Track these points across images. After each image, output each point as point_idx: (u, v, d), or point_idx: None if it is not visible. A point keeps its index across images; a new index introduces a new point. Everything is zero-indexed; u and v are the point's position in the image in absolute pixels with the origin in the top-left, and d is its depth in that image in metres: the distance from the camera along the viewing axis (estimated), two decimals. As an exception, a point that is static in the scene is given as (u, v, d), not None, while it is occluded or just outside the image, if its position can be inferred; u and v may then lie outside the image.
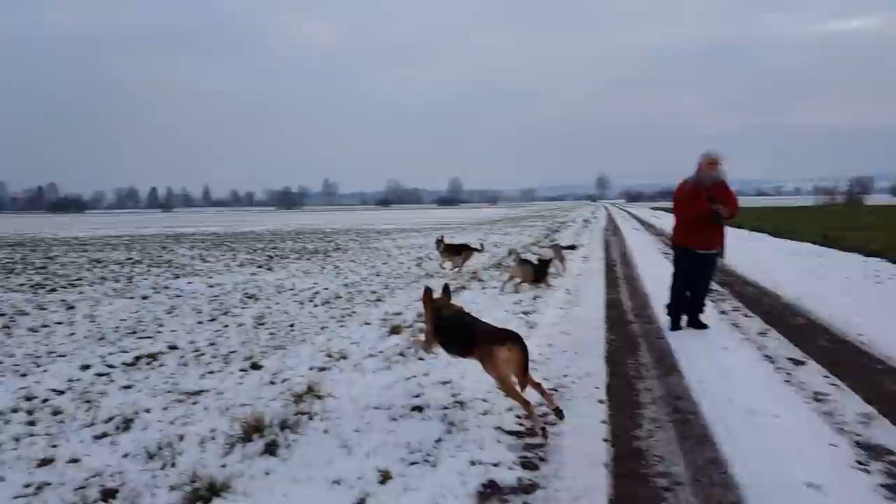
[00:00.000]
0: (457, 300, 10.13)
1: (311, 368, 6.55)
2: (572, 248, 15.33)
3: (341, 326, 8.80)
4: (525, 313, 8.81)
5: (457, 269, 13.81)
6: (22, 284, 14.29)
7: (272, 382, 6.19)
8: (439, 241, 14.39)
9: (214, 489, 3.54)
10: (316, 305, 10.86)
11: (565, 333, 7.65)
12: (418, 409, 4.98)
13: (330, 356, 7.01)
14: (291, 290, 12.94)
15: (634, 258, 17.03)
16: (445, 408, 4.98)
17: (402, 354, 6.68)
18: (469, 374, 5.82)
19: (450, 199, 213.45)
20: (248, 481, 3.82)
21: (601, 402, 5.25)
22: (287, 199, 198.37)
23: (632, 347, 7.17)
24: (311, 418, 4.78)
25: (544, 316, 8.57)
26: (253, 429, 4.40)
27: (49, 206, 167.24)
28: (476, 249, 14.53)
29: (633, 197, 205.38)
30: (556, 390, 5.47)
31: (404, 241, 27.63)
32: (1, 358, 7.50)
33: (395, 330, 8.10)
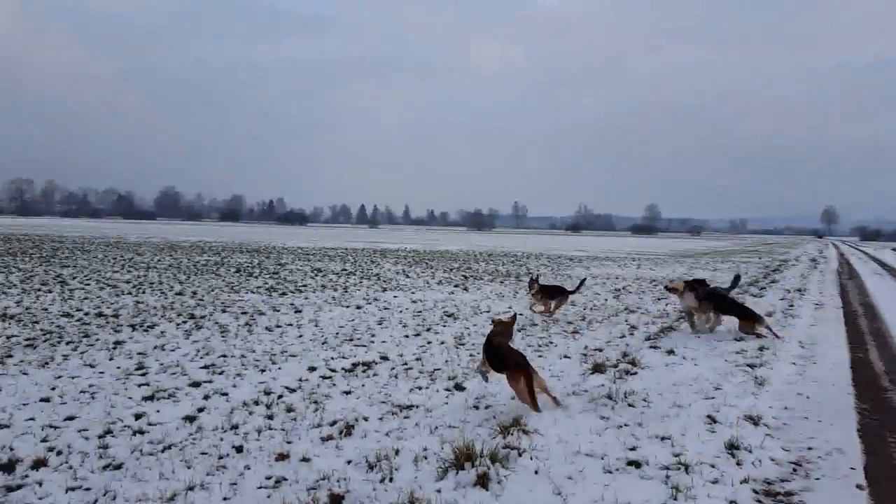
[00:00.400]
0: (666, 343, 9.47)
1: (512, 398, 6.47)
2: (735, 283, 12.44)
3: (539, 357, 8.63)
4: (750, 366, 7.84)
5: (548, 314, 12.45)
6: (259, 287, 16.42)
7: (476, 407, 6.22)
8: (532, 282, 12.76)
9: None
10: (514, 331, 10.85)
11: (803, 395, 6.63)
12: (635, 464, 4.59)
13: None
14: (487, 311, 13.14)
15: (881, 309, 14.46)
16: (667, 468, 4.53)
17: (609, 397, 6.30)
18: (690, 430, 5.28)
19: (645, 227, 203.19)
20: (462, 511, 3.80)
21: (860, 487, 4.39)
22: (478, 221, 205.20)
23: (893, 421, 5.97)
24: (520, 454, 4.66)
25: (775, 371, 7.54)
26: (465, 456, 4.40)
27: (278, 217, 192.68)
28: (570, 293, 12.91)
29: (869, 235, 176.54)
30: (798, 465, 4.71)
31: (598, 269, 26.78)
32: (245, 353, 8.59)
33: (597, 368, 7.73)
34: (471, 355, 8.71)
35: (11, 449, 4.87)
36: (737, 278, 12.41)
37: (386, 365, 8.02)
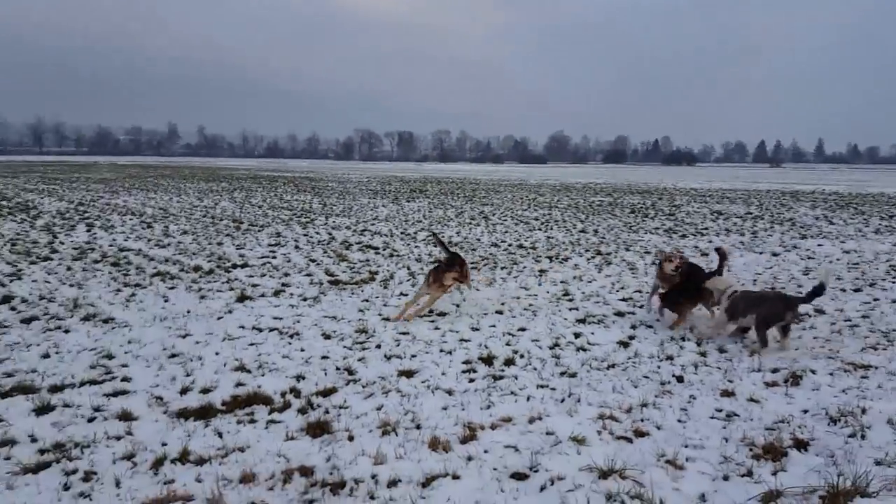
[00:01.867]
0: None
1: None
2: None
3: None
4: None
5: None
6: (657, 228, 16.40)
7: (961, 380, 5.10)
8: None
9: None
10: None
11: None
12: None
13: None
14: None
15: None
16: None
17: None
18: None
19: None
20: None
21: None
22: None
23: None
24: None
25: None
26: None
27: (664, 158, 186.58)
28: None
29: None
30: None
31: None
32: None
33: None
34: (940, 320, 7.12)
35: (486, 347, 6.10)
36: None
37: (823, 319, 7.18)
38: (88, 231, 14.26)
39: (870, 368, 5.38)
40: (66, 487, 3.54)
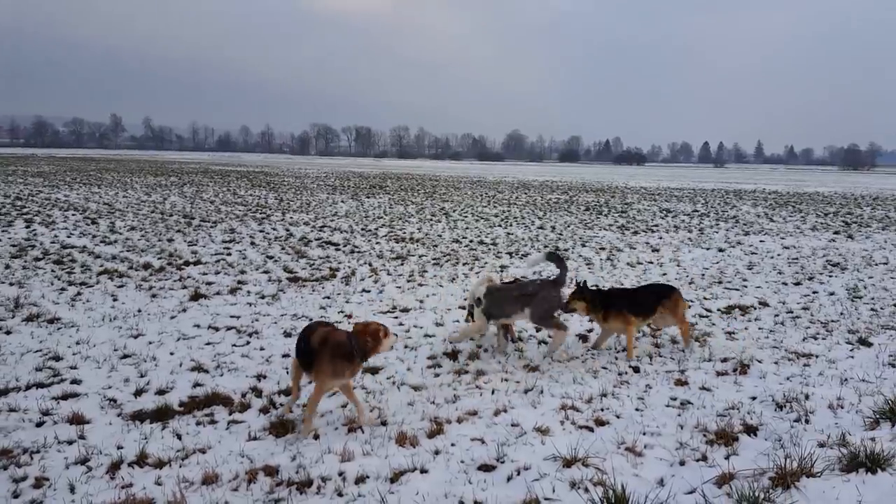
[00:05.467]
0: None
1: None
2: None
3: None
4: None
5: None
6: (611, 225, 16.80)
7: (893, 365, 5.44)
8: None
9: (878, 461, 3.33)
10: (932, 288, 8.95)
11: None
12: None
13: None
14: (885, 264, 11.08)
15: None
16: None
17: None
18: None
19: None
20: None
21: None
22: (852, 159, 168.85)
23: None
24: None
25: None
26: (902, 413, 3.93)
27: (615, 158, 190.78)
28: None
29: None
30: None
31: None
32: (614, 285, 9.03)
33: None
34: (872, 310, 7.56)
35: (450, 343, 6.13)
36: None
37: (767, 311, 7.53)
38: (28, 227, 13.63)
39: (811, 357, 5.68)
40: (16, 495, 3.41)
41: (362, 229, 14.77)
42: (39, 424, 4.22)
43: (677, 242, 13.59)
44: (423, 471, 3.61)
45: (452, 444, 3.94)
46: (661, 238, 14.31)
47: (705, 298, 8.17)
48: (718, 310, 7.57)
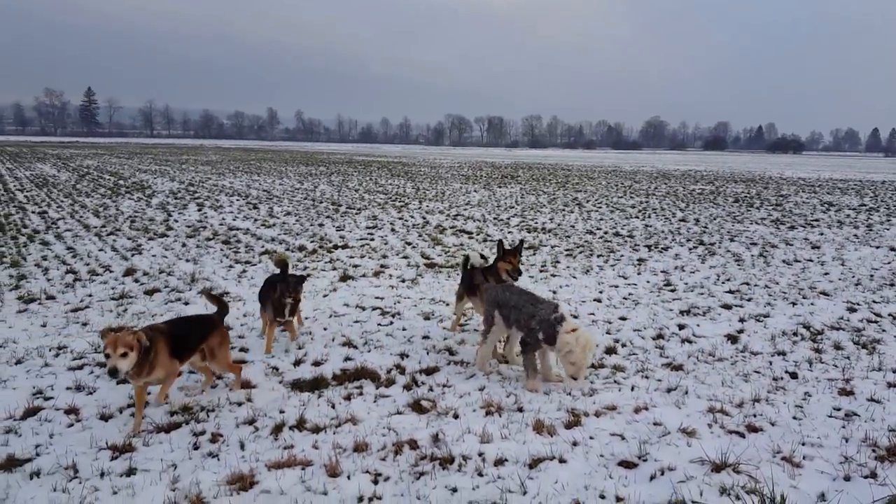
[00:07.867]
0: None
1: None
2: None
3: None
4: None
5: None
6: (763, 219, 15.50)
7: None
8: None
9: None
10: None
11: None
12: None
13: None
14: None
15: None
16: None
17: None
18: None
19: None
20: None
21: None
22: None
23: None
24: None
25: None
26: None
27: (768, 146, 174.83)
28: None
29: None
30: None
31: None
32: (769, 284, 8.36)
33: None
34: None
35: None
36: None
37: (958, 320, 6.60)
38: (199, 210, 15.31)
39: None
40: (196, 447, 3.86)
41: (494, 218, 14.91)
42: (213, 386, 4.78)
43: (841, 239, 12.27)
44: (562, 460, 3.63)
45: (591, 437, 3.91)
46: (822, 234, 12.99)
47: (874, 302, 7.32)
48: (891, 315, 6.77)
